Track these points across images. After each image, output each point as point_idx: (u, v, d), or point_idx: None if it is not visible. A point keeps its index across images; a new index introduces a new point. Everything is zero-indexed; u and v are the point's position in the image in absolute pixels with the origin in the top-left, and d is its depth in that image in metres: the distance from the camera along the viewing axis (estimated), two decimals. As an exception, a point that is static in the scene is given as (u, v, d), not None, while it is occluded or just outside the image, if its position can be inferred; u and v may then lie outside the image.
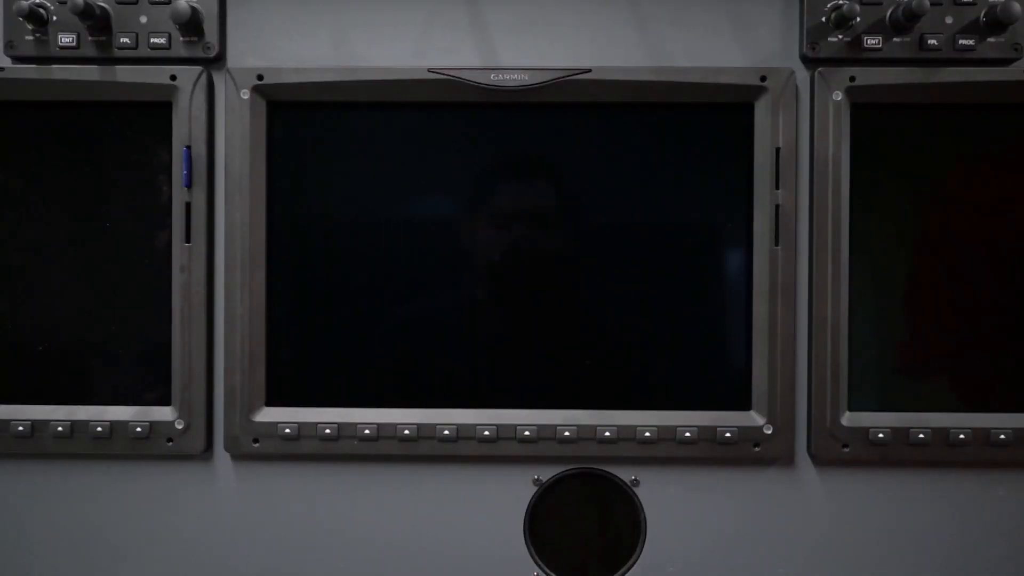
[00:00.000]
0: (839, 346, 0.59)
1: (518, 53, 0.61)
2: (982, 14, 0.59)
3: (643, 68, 0.60)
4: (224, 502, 0.62)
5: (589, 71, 0.59)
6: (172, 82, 0.60)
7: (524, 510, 0.62)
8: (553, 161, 0.62)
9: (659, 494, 0.62)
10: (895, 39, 0.60)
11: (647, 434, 0.60)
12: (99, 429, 0.60)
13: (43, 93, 0.60)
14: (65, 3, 0.58)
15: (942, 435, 0.59)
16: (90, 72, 0.60)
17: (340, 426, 0.60)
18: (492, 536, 0.62)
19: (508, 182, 0.63)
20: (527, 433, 0.60)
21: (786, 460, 0.62)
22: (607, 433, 0.60)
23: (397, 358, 0.62)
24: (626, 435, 0.60)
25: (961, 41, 0.59)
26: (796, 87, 0.60)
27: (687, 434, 0.60)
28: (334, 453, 0.61)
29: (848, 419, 0.60)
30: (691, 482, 0.62)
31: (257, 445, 0.61)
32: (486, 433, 0.60)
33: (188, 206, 0.61)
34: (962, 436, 0.59)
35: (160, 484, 0.62)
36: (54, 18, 0.60)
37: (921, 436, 0.59)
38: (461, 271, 0.62)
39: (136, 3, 0.60)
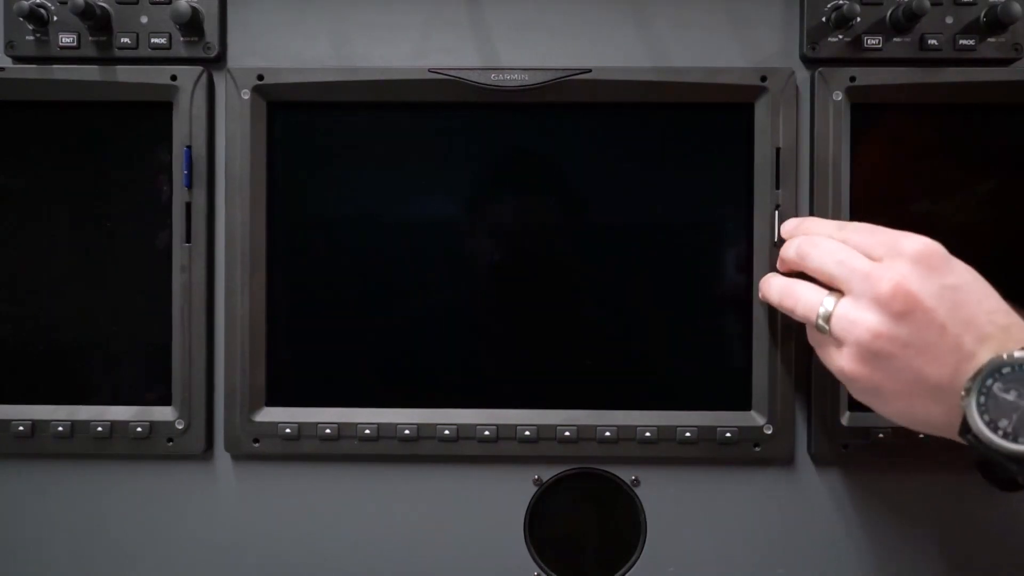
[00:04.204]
0: (839, 346, 0.59)
1: (518, 53, 0.61)
2: (982, 14, 0.59)
3: (643, 68, 0.60)
4: (224, 502, 0.62)
5: (589, 71, 0.59)
6: (172, 82, 0.60)
7: (524, 510, 0.62)
8: (553, 161, 0.62)
9: (659, 494, 0.62)
10: (895, 39, 0.60)
11: (647, 434, 0.60)
12: (99, 429, 0.60)
13: (43, 93, 0.60)
14: (65, 3, 0.58)
15: (942, 435, 0.59)
16: (91, 72, 0.60)
17: (340, 426, 0.60)
18: (492, 536, 0.62)
19: (508, 182, 0.62)
20: (527, 433, 0.60)
21: (786, 460, 0.62)
22: (607, 433, 0.60)
23: (397, 358, 0.62)
24: (626, 435, 0.60)
25: (961, 41, 0.59)
26: (796, 87, 0.60)
27: (687, 434, 0.60)
28: (334, 453, 0.61)
29: (848, 419, 0.60)
30: (691, 482, 0.62)
31: (257, 445, 0.61)
32: (486, 433, 0.60)
33: (188, 206, 0.61)
34: (962, 436, 0.59)
35: (160, 484, 0.62)
36: (54, 18, 0.60)
37: (921, 436, 0.59)
38: (461, 271, 0.62)
39: (136, 3, 0.60)
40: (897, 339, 0.46)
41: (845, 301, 0.49)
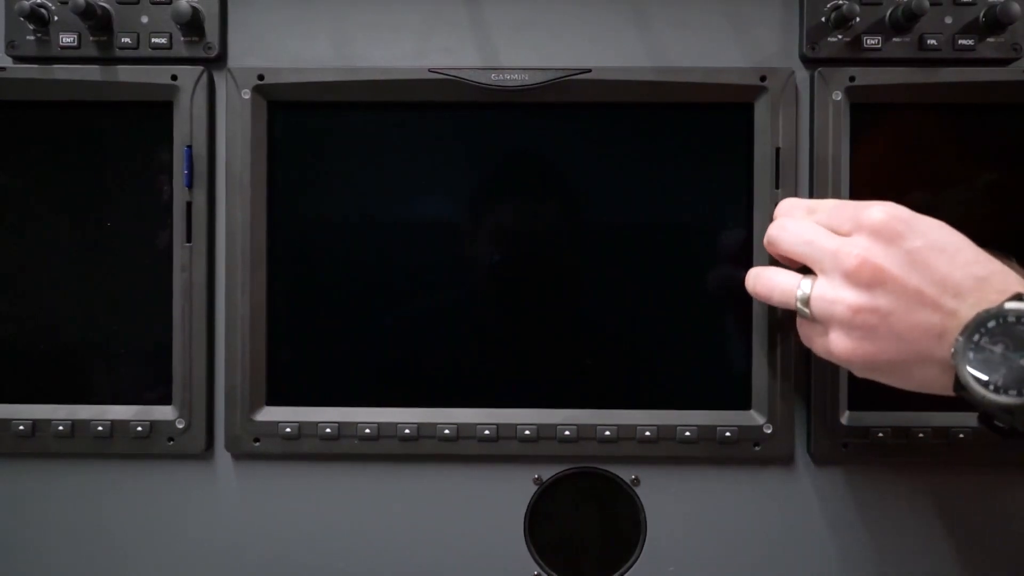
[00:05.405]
0: (839, 346, 0.59)
1: (518, 53, 0.61)
2: (981, 14, 0.59)
3: (643, 68, 0.60)
4: (225, 501, 0.62)
5: (589, 71, 0.60)
6: (173, 82, 0.60)
7: (524, 510, 0.62)
8: (553, 161, 0.62)
9: (659, 493, 0.62)
10: (895, 39, 0.60)
11: (647, 433, 0.60)
12: (100, 428, 0.60)
13: (44, 93, 0.61)
14: (66, 3, 0.58)
15: (942, 434, 0.59)
16: (91, 72, 0.60)
17: (340, 425, 0.60)
18: (492, 536, 0.62)
19: (508, 182, 0.63)
20: (527, 432, 0.60)
21: (786, 460, 0.62)
22: (607, 432, 0.60)
23: (397, 358, 0.62)
24: (626, 435, 0.60)
25: (961, 41, 0.59)
26: (796, 87, 0.60)
27: (687, 434, 0.60)
28: (334, 452, 0.61)
29: (848, 418, 0.60)
30: (691, 481, 0.62)
31: (258, 444, 0.61)
32: (486, 432, 0.60)
33: (189, 206, 0.61)
34: (962, 435, 0.59)
35: (161, 483, 0.62)
36: (55, 18, 0.60)
37: (921, 435, 0.59)
38: (461, 271, 0.62)
39: (137, 3, 0.60)
40: (877, 310, 0.47)
41: (820, 282, 0.50)
